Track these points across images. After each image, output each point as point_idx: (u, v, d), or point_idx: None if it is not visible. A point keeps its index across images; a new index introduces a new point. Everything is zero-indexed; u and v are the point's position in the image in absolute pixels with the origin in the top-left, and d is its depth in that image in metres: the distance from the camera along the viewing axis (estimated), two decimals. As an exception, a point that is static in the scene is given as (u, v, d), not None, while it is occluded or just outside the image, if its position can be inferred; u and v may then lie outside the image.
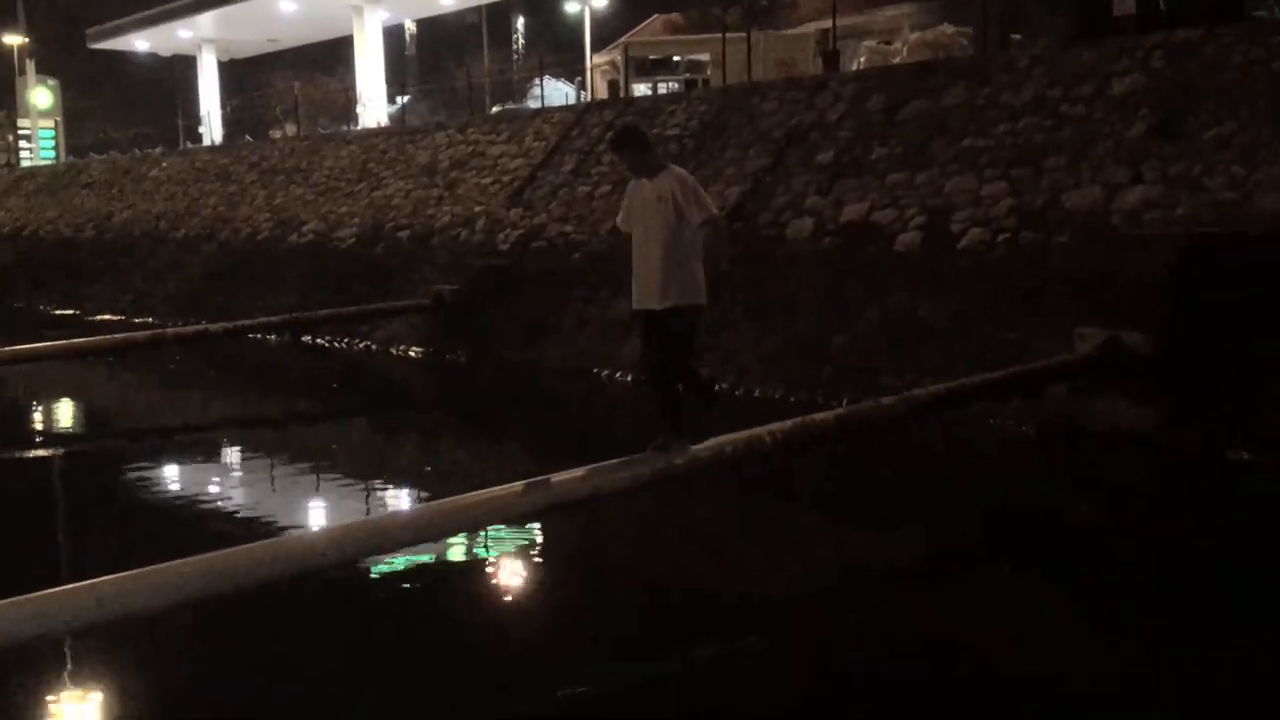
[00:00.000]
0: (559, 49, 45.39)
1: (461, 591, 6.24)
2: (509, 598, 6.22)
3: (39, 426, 11.93)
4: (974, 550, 6.83)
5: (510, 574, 6.52)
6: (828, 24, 26.96)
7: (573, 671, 5.06)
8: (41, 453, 10.59)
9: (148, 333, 13.09)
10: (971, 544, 6.94)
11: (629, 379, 11.84)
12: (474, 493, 5.63)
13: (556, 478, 5.78)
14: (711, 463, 6.40)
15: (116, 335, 12.97)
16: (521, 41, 68.40)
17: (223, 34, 36.30)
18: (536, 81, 37.78)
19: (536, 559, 6.81)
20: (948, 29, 19.22)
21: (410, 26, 62.54)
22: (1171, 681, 4.80)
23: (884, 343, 10.63)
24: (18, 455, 10.15)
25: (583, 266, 13.83)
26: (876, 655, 5.13)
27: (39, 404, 13.12)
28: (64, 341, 12.96)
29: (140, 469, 9.40)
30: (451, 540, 6.61)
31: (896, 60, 19.11)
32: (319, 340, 15.43)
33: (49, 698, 4.70)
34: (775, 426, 6.75)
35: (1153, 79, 11.15)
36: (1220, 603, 5.62)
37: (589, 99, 27.17)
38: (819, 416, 7.12)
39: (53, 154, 40.65)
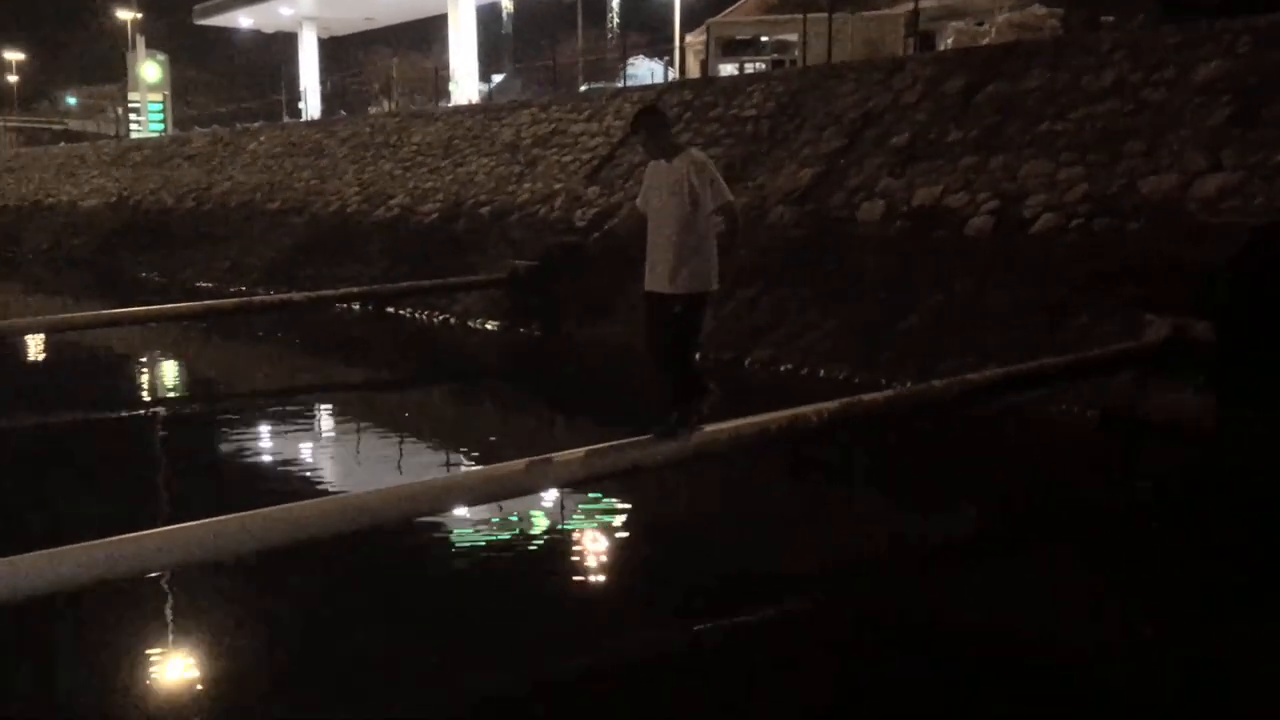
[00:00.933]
0: (655, 28, 45.46)
1: (529, 554, 6.47)
2: (552, 564, 6.43)
3: (134, 386, 12.52)
4: (1019, 534, 6.85)
5: (558, 541, 6.74)
6: (921, 4, 26.63)
7: (630, 629, 5.34)
8: (138, 411, 11.12)
9: (235, 300, 13.65)
10: (1018, 528, 6.96)
11: (698, 356, 11.95)
12: (512, 462, 5.87)
13: (593, 450, 5.98)
14: (756, 439, 6.54)
15: (206, 302, 13.57)
16: (616, 20, 68.61)
17: (322, 11, 37.22)
18: (631, 60, 37.99)
19: (586, 527, 7.01)
20: (1038, 10, 18.83)
21: (508, 4, 63.15)
22: (1188, 668, 4.83)
23: (949, 327, 10.59)
24: (117, 414, 10.76)
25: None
26: (908, 629, 5.23)
27: (134, 365, 13.73)
28: (158, 307, 13.57)
29: (226, 428, 9.92)
30: (513, 505, 6.87)
31: (985, 41, 18.82)
32: (399, 311, 15.85)
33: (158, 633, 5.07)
34: (822, 406, 6.83)
35: (1236, 64, 10.89)
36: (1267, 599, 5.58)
37: (678, 78, 27.23)
38: (867, 397, 7.19)
39: (161, 126, 42.03)
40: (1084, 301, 9.82)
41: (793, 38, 26.12)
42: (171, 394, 12.35)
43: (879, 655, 5.01)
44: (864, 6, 29.07)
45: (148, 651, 4.93)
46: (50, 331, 13.42)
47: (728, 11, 41.95)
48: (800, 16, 23.13)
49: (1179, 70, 11.30)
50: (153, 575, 5.42)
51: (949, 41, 20.15)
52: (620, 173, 16.08)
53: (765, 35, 27.72)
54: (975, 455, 8.49)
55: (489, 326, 14.90)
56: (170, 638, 5.15)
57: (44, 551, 4.32)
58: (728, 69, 28.84)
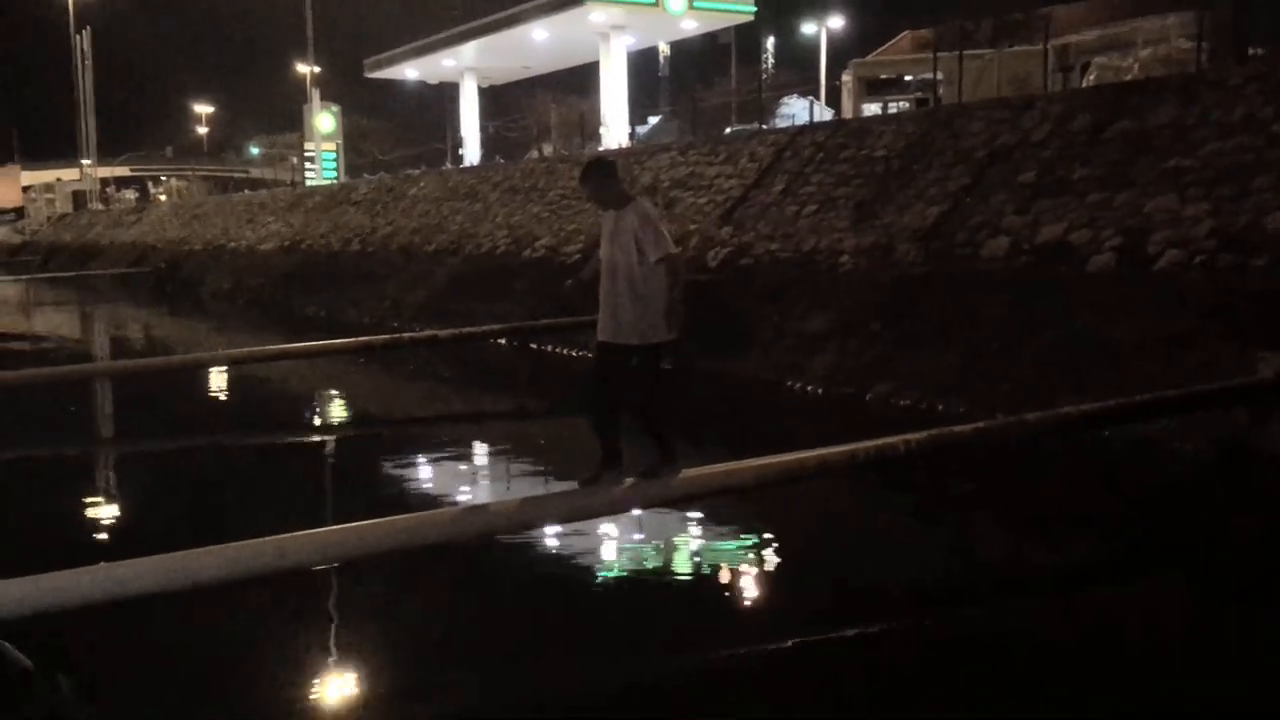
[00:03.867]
0: (810, 66, 45.89)
1: (639, 566, 7.00)
2: (657, 576, 6.91)
3: (300, 414, 13.66)
4: (1130, 564, 6.96)
5: (656, 557, 7.21)
6: (1068, 39, 26.35)
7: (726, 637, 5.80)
8: (305, 436, 12.23)
9: (386, 336, 14.64)
10: (1130, 558, 7.07)
11: (819, 391, 12.32)
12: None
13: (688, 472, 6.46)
14: (843, 466, 6.89)
15: (361, 338, 14.61)
16: (771, 61, 69.26)
17: (482, 62, 39.00)
18: (786, 100, 38.52)
19: (681, 543, 7.46)
20: (1183, 44, 18.54)
21: (664, 48, 64.51)
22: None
23: (1068, 363, 10.65)
24: (286, 438, 11.99)
25: (781, 283, 14.39)
26: (1000, 651, 5.50)
27: (299, 394, 14.89)
28: (320, 343, 14.74)
29: (380, 450, 10.92)
30: (597, 525, 7.40)
31: (1129, 77, 18.63)
32: (541, 347, 16.64)
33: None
34: (910, 435, 7.13)
35: (1371, 97, 10.67)
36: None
37: (835, 117, 27.54)
38: (958, 428, 7.44)
39: (334, 174, 44.62)
40: (1204, 337, 9.79)
41: (940, 75, 26.21)
42: (333, 420, 13.42)
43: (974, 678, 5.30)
44: (1023, 41, 28.89)
45: (313, 641, 5.64)
46: (231, 364, 14.96)
47: (881, 50, 42.08)
48: (945, 55, 23.26)
49: (1312, 104, 11.13)
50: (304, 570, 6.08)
51: (1092, 77, 19.97)
52: (753, 214, 16.56)
53: (910, 74, 27.87)
54: (1090, 486, 8.60)
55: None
56: (331, 631, 5.86)
57: (233, 544, 5.15)
58: (872, 108, 29.08)
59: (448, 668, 5.38)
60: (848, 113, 31.23)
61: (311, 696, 5.04)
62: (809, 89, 37.81)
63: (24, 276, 43.72)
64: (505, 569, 6.78)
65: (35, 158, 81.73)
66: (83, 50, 65.93)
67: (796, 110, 35.99)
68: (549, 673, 5.38)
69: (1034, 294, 11.54)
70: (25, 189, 75.60)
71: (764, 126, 25.26)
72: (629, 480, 6.12)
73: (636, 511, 7.29)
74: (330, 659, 5.46)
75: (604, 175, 6.03)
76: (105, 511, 8.66)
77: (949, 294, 12.27)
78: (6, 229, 67.34)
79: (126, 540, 7.55)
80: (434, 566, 6.45)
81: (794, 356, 13.16)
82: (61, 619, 4.70)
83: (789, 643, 5.71)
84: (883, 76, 28.94)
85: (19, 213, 69.83)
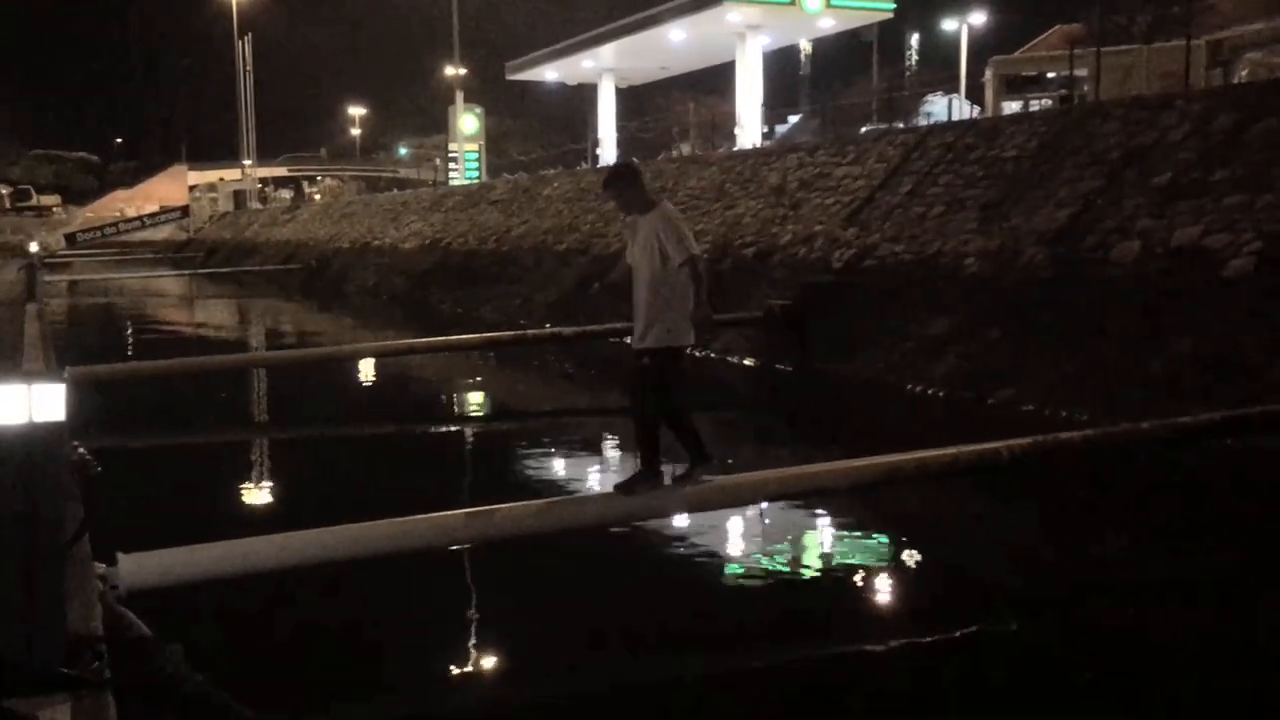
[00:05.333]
0: (955, 65, 44.96)
1: (776, 558, 7.16)
2: (768, 567, 7.05)
3: (432, 404, 14.31)
4: (1246, 575, 6.80)
5: (764, 546, 7.34)
6: (1225, 34, 25.25)
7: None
8: (434, 429, 12.86)
9: (511, 333, 15.12)
10: (1248, 570, 6.90)
11: (940, 394, 12.20)
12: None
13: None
14: (942, 471, 6.88)
15: (488, 335, 15.15)
16: (915, 58, 67.99)
17: (620, 63, 39.50)
18: (930, 97, 37.89)
19: (854, 541, 7.57)
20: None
21: (805, 46, 64.15)
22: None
23: (1197, 370, 10.31)
24: (414, 429, 12.64)
25: (905, 285, 14.26)
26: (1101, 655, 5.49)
27: (431, 386, 15.49)
28: (451, 338, 15.29)
29: (507, 439, 11.70)
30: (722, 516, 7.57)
31: (1283, 72, 17.79)
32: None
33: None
34: (1014, 441, 7.07)
35: None
36: None
37: (981, 114, 27.02)
38: (1065, 435, 7.34)
39: (475, 174, 45.78)
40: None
41: (1083, 72, 25.45)
42: (462, 412, 14.10)
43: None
44: (1179, 35, 27.79)
45: (450, 614, 6.01)
46: (371, 357, 16.02)
47: (1030, 45, 40.96)
48: (1087, 51, 22.60)
49: None
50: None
51: (1243, 73, 19.12)
52: (878, 214, 16.43)
53: (1051, 71, 27.10)
54: (1214, 497, 8.36)
55: (746, 362, 15.61)
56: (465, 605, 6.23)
57: (393, 520, 5.52)
58: (1012, 106, 28.40)
59: (573, 651, 5.65)
60: (988, 111, 30.57)
61: (423, 671, 5.34)
62: (950, 86, 37.05)
63: (186, 271, 46.25)
64: (615, 558, 7.02)
65: (200, 159, 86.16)
66: (244, 57, 69.24)
67: (938, 109, 35.36)
68: (663, 661, 5.60)
69: (1165, 299, 11.19)
70: (191, 188, 79.81)
71: (902, 126, 24.96)
72: (672, 482, 6.12)
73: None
74: (450, 635, 5.76)
75: (626, 181, 6.05)
76: (250, 492, 9.29)
77: (1076, 298, 11.98)
78: (173, 226, 71.19)
79: (268, 519, 8.10)
80: (549, 553, 6.68)
81: (914, 359, 13.05)
82: (190, 591, 5.11)
83: (910, 641, 5.79)
84: (1024, 74, 28.20)
85: (184, 211, 73.68)
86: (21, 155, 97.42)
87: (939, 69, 50.90)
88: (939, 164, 16.33)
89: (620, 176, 6.12)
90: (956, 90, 37.97)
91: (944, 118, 27.04)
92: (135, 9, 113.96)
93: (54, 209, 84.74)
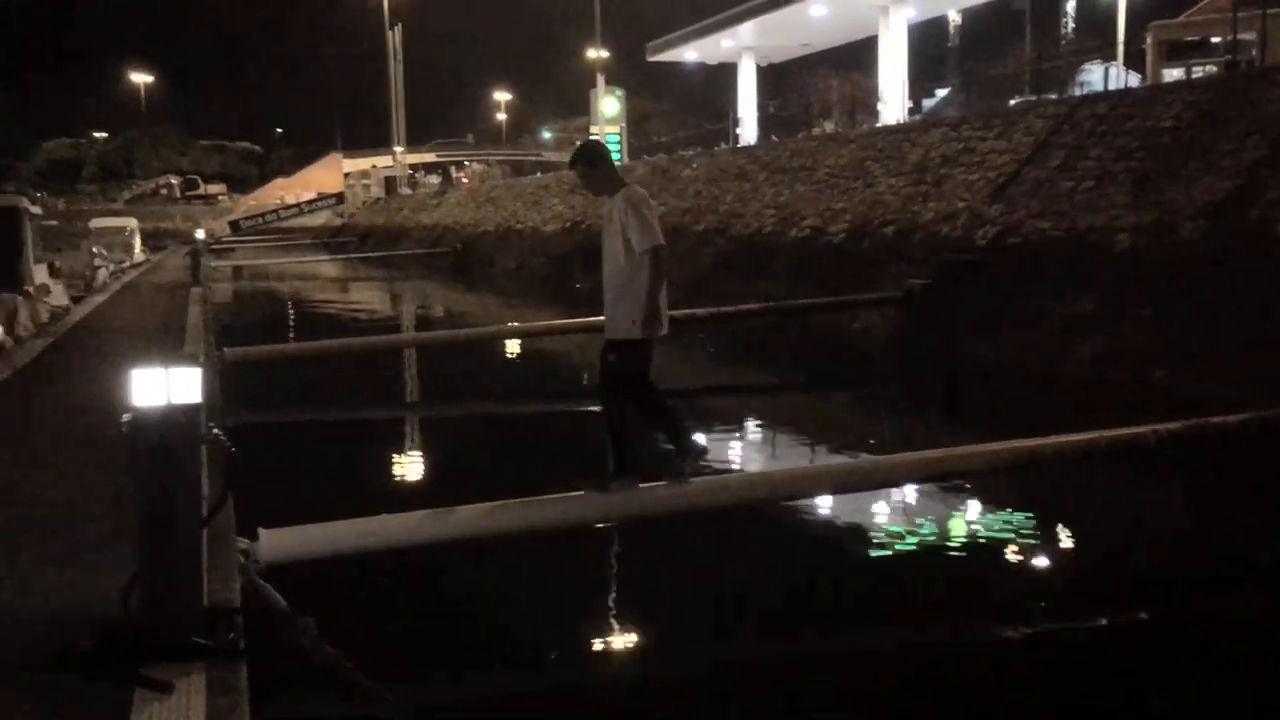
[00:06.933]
0: (1112, 31, 42.94)
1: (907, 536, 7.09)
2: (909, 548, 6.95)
3: (568, 384, 14.51)
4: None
5: (912, 528, 7.23)
6: None
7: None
8: (573, 407, 12.83)
9: (646, 314, 15.14)
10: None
11: (1086, 375, 11.77)
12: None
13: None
14: (1080, 455, 6.64)
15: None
16: (1071, 26, 65.26)
17: (760, 41, 39.11)
18: (1086, 66, 36.31)
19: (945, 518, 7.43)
20: None
21: (954, 17, 62.34)
22: None
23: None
24: (556, 407, 12.99)
25: (1051, 262, 13.76)
26: None
27: (567, 366, 15.71)
28: (587, 319, 15.37)
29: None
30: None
31: None
32: (800, 325, 16.70)
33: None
34: (1163, 425, 6.78)
35: None
36: None
37: (1145, 82, 25.81)
38: (1217, 419, 6.98)
39: (617, 156, 46.06)
40: None
41: (1248, 36, 23.99)
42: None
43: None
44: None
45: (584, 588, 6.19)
46: (512, 338, 16.63)
47: (1192, 10, 38.82)
48: (1253, 14, 21.29)
49: None
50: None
51: None
52: (1025, 190, 15.87)
53: (1215, 36, 25.59)
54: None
55: (884, 341, 15.34)
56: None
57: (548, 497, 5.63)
58: (1174, 74, 27.00)
59: (717, 628, 5.74)
60: (1148, 80, 29.12)
61: (561, 643, 5.44)
62: (1108, 54, 35.38)
63: (340, 256, 47.97)
64: (764, 538, 7.03)
65: (354, 146, 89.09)
66: (395, 46, 71.19)
67: (1095, 78, 33.84)
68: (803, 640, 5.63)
69: (1335, 275, 10.52)
70: (345, 175, 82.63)
71: (1055, 97, 23.97)
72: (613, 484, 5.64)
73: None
74: (590, 609, 5.88)
75: (590, 160, 5.68)
76: (392, 469, 9.59)
77: (1237, 274, 11.36)
78: (329, 212, 73.84)
79: (410, 495, 8.38)
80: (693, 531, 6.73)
81: (1060, 338, 12.60)
82: (328, 565, 5.31)
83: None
84: (1187, 39, 26.72)
85: (339, 198, 76.34)
86: (190, 146, 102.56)
87: (1096, 36, 48.68)
88: (1090, 136, 15.67)
89: (585, 156, 5.73)
90: (1114, 58, 36.26)
91: (1100, 88, 25.87)
92: (294, 6, 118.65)
93: (220, 197, 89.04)
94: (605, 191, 5.65)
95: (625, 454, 5.60)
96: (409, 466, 9.92)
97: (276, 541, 5.03)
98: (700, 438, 5.61)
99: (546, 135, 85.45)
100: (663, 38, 43.13)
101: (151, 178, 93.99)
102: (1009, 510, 7.57)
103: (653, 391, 5.66)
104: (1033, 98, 24.64)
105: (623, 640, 5.62)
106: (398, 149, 73.65)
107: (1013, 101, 26.31)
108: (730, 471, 8.70)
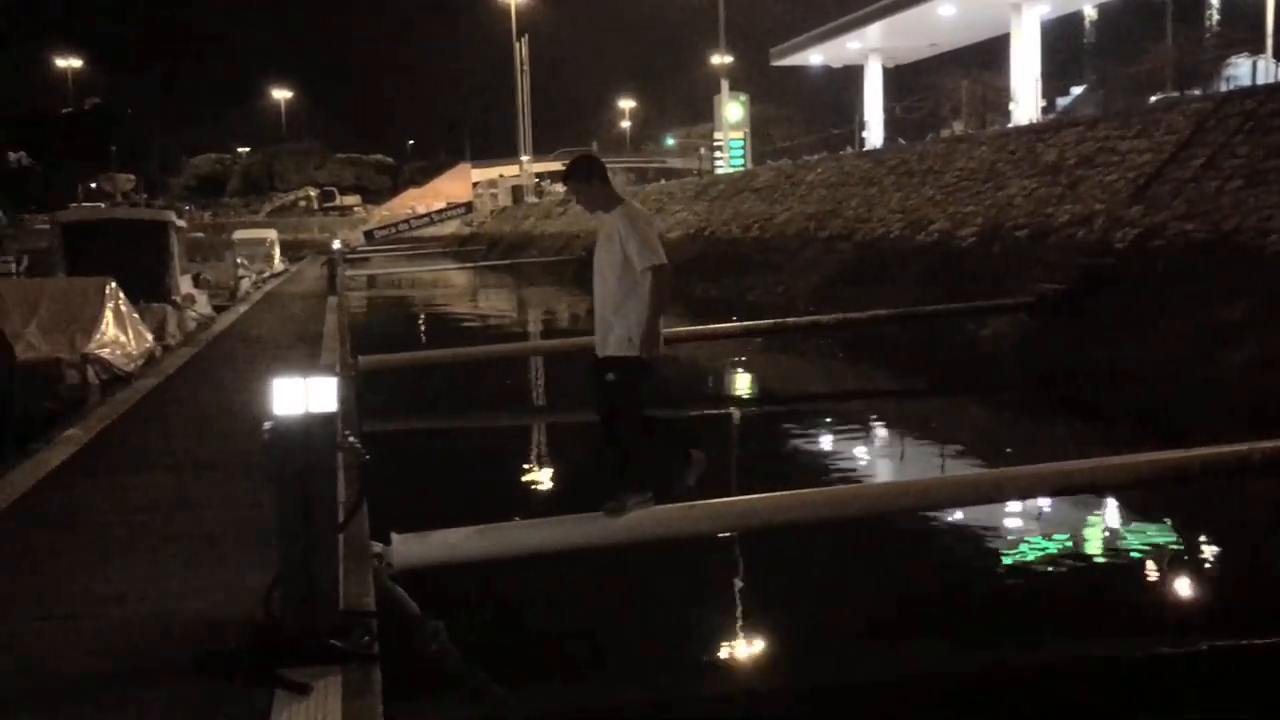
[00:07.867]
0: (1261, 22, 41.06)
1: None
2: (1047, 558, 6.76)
3: (696, 390, 14.52)
4: None
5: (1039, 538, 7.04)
6: None
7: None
8: (704, 411, 13.02)
9: (769, 322, 15.12)
10: None
11: (1235, 384, 11.24)
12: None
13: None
14: (1231, 470, 6.34)
15: (745, 323, 15.20)
16: (1216, 17, 62.56)
17: (887, 42, 38.54)
18: (1233, 60, 34.76)
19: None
20: None
21: (1090, 13, 60.33)
22: None
23: None
24: (684, 413, 12.87)
25: (1195, 266, 13.19)
26: None
27: (696, 373, 15.72)
28: (708, 327, 15.44)
29: (788, 423, 11.99)
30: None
31: None
32: (928, 332, 16.36)
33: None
34: (1266, 445, 6.40)
35: None
36: None
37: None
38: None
39: (741, 162, 45.87)
40: None
41: None
42: (731, 395, 14.65)
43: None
44: None
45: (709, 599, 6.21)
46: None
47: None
48: None
49: None
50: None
51: None
52: (1167, 191, 15.25)
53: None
54: None
55: (1014, 348, 14.91)
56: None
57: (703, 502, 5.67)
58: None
59: (850, 637, 5.74)
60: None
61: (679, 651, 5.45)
62: (1257, 47, 33.75)
63: (469, 264, 49.00)
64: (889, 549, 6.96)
65: (482, 156, 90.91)
66: (521, 57, 72.42)
67: (1242, 72, 32.32)
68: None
69: None
70: (474, 185, 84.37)
71: (1198, 93, 23.00)
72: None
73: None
74: (712, 617, 5.90)
75: (583, 174, 5.48)
76: (522, 475, 9.74)
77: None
78: (458, 222, 75.49)
79: (539, 501, 8.49)
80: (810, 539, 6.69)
81: (1205, 346, 12.05)
82: (458, 571, 5.41)
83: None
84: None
85: (468, 207, 77.97)
86: (327, 159, 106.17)
87: (1243, 28, 46.54)
88: (1237, 133, 14.98)
89: (575, 172, 5.54)
90: (1263, 51, 34.58)
91: (1247, 82, 24.69)
92: (423, 19, 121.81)
93: (355, 208, 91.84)
94: (599, 207, 5.47)
95: (638, 472, 5.42)
96: (536, 473, 10.05)
97: (409, 546, 5.15)
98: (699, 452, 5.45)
99: (670, 142, 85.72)
100: (787, 42, 42.86)
101: (291, 190, 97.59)
102: (1157, 517, 7.29)
103: (648, 416, 5.47)
104: (1175, 94, 23.72)
105: (743, 652, 5.58)
106: (524, 158, 74.84)
107: (1153, 98, 25.34)
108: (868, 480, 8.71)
